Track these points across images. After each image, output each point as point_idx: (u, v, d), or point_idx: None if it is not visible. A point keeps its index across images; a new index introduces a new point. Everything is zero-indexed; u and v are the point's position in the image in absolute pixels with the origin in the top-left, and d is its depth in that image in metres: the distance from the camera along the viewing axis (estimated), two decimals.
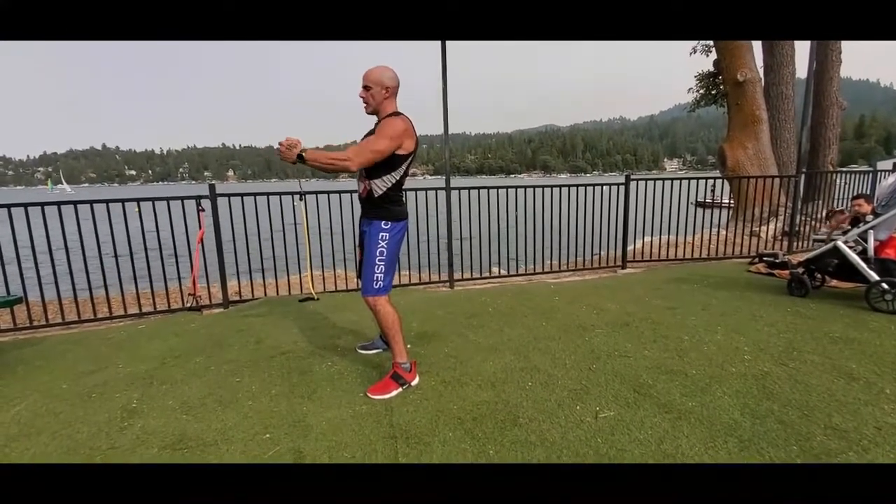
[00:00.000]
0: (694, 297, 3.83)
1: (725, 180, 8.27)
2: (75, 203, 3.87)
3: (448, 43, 4.53)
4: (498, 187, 5.21)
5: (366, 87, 2.29)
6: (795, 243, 5.93)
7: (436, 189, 4.92)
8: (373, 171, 2.30)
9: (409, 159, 2.36)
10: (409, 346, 2.84)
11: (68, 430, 2.12)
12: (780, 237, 6.51)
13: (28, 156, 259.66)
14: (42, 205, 3.79)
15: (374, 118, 2.38)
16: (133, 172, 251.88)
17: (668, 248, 5.93)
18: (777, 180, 7.11)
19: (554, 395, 2.27)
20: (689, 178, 5.83)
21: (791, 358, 2.56)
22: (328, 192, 4.64)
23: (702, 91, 11.41)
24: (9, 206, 3.72)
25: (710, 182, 9.19)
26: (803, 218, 6.25)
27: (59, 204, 3.85)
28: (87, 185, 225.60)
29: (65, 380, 2.71)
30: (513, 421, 2.05)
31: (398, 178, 2.35)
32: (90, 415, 2.26)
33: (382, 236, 2.36)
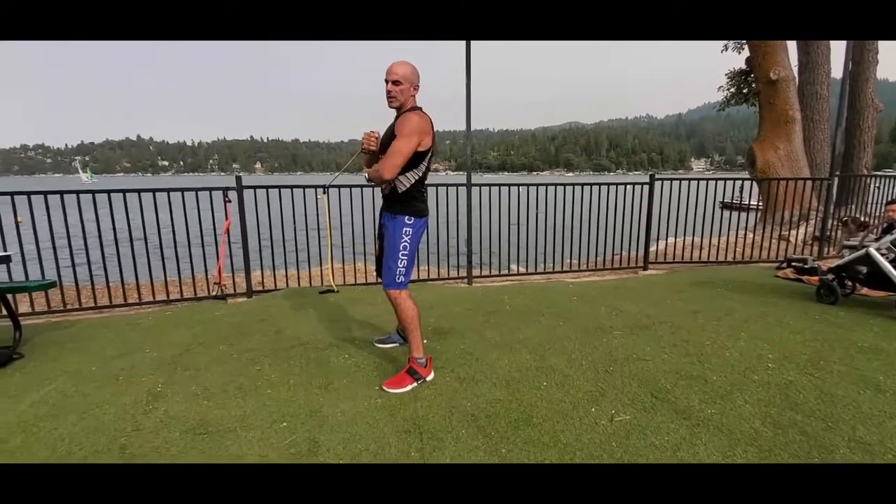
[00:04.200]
0: (717, 301, 3.74)
1: (754, 182, 8.04)
2: (108, 192, 4.01)
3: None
4: (519, 185, 5.18)
5: (395, 83, 2.28)
6: (826, 249, 5.73)
7: (457, 185, 4.92)
8: None
9: (430, 155, 2.38)
10: (425, 341, 2.86)
11: (95, 412, 2.20)
12: (810, 242, 6.31)
13: (66, 145, 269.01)
14: (77, 192, 3.94)
15: (394, 112, 2.40)
16: (165, 163, 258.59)
17: (691, 249, 5.80)
18: (809, 183, 6.87)
19: (569, 396, 2.26)
20: (717, 179, 5.68)
21: (817, 367, 2.48)
22: (350, 186, 4.69)
23: (733, 89, 11.09)
24: (45, 193, 3.87)
25: (739, 183, 8.93)
26: (835, 223, 6.03)
27: (93, 192, 4.00)
28: (121, 174, 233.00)
29: (94, 362, 2.81)
30: (526, 421, 2.05)
31: (421, 174, 2.38)
32: (117, 397, 2.35)
33: (406, 231, 2.38)
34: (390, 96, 2.30)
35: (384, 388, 2.37)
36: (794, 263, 4.71)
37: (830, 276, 3.70)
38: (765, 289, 4.14)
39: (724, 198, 5.51)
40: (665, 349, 2.79)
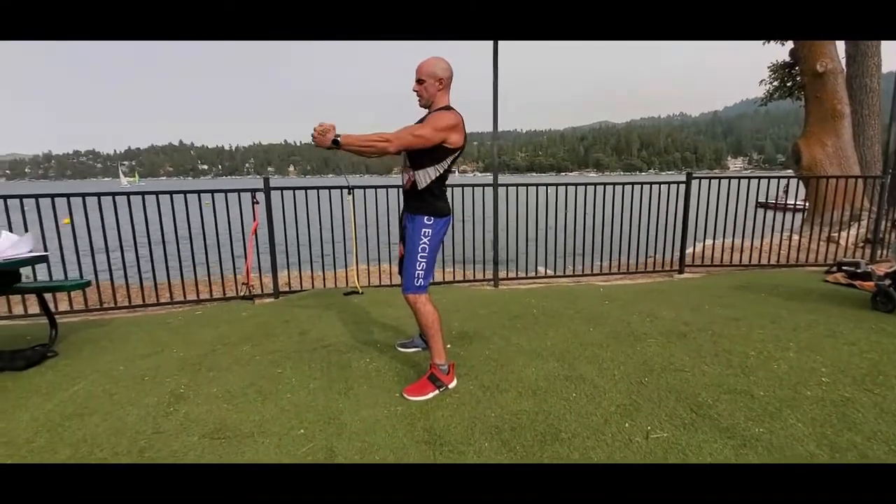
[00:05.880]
0: (761, 308, 3.50)
1: (799, 180, 7.61)
2: (143, 194, 4.12)
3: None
4: (547, 184, 5.03)
5: (419, 81, 2.25)
6: (880, 252, 5.34)
7: (483, 185, 4.82)
8: (417, 161, 2.26)
9: (456, 155, 2.29)
10: (448, 345, 2.78)
11: (119, 412, 2.21)
12: (861, 244, 5.89)
13: (115, 150, 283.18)
14: (113, 195, 4.05)
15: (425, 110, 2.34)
16: (205, 167, 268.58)
17: (731, 252, 5.51)
18: (860, 181, 6.44)
19: (600, 409, 2.13)
20: (759, 178, 5.38)
21: (876, 383, 2.26)
22: (375, 187, 4.66)
23: (775, 83, 10.53)
24: (83, 196, 3.98)
25: (784, 182, 8.49)
26: (889, 224, 5.61)
27: (128, 195, 4.10)
28: (164, 178, 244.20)
29: (123, 361, 2.85)
30: (554, 435, 1.93)
31: (442, 171, 2.29)
32: (141, 397, 2.36)
33: (425, 232, 2.30)
34: (417, 95, 2.29)
35: (405, 395, 2.29)
36: (844, 267, 4.39)
37: (887, 282, 3.41)
38: (813, 294, 3.86)
39: (766, 198, 5.21)
40: (705, 359, 2.61)
